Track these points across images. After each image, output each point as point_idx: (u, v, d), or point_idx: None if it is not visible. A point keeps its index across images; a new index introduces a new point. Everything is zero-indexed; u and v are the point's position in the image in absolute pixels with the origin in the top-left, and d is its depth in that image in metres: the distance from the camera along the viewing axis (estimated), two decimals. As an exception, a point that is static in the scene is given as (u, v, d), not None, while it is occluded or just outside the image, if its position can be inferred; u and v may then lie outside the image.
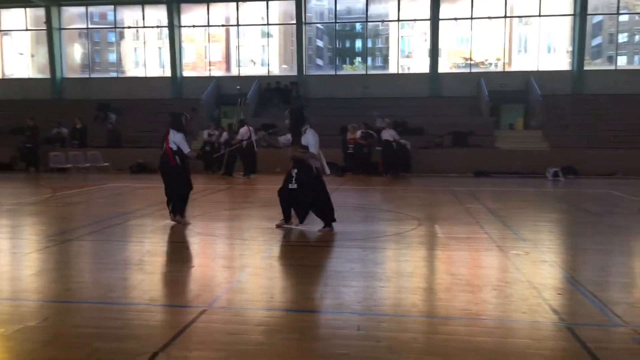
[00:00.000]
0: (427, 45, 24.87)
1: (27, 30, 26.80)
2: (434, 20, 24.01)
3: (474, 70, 24.72)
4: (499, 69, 24.98)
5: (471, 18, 24.44)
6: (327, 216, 7.81)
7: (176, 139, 8.13)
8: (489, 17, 24.23)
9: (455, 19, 24.77)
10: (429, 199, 12.30)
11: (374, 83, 24.51)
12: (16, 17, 26.60)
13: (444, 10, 24.39)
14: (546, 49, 25.29)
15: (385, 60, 28.49)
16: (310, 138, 7.67)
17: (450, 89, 23.81)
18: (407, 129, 19.76)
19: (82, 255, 6.69)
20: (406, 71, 27.19)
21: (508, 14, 24.41)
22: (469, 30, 24.73)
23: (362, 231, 8.07)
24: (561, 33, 24.97)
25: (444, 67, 25.00)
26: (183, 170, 8.25)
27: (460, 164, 18.20)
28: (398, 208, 10.43)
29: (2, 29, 26.91)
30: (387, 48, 28.53)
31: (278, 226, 7.91)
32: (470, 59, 25.06)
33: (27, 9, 26.12)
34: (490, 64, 25.64)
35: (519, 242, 7.15)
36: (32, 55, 27.33)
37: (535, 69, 23.84)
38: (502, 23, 24.41)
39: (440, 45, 24.56)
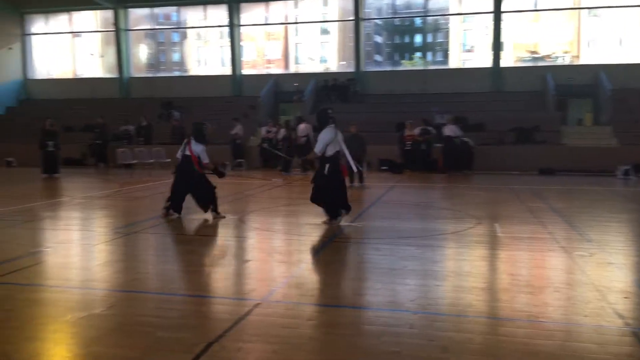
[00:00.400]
0: (490, 38, 24.21)
1: (96, 31, 28.02)
2: (497, 12, 23.31)
3: (539, 64, 23.86)
4: (567, 62, 23.99)
5: (536, 10, 23.59)
6: (330, 211, 7.89)
7: (198, 150, 8.38)
8: (556, 9, 23.30)
9: (519, 10, 23.98)
10: (490, 197, 12.00)
11: (433, 78, 24.10)
12: (87, 19, 27.86)
13: (507, 2, 23.65)
14: (618, 42, 24.07)
15: (446, 54, 27.98)
16: (320, 136, 7.87)
17: (514, 84, 23.06)
18: (467, 125, 19.27)
19: (145, 247, 6.95)
20: (467, 66, 26.60)
21: (576, 6, 23.39)
22: (534, 22, 23.87)
23: (418, 229, 7.98)
24: (634, 25, 23.69)
25: (507, 61, 24.26)
26: (203, 174, 8.53)
27: (524, 161, 17.59)
28: (456, 206, 10.23)
29: (74, 30, 28.23)
30: (448, 42, 28.00)
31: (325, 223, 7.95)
32: (536, 52, 24.18)
33: (97, 12, 27.30)
34: (557, 57, 24.69)
35: (585, 243, 6.85)
36: (102, 56, 28.55)
37: (606, 63, 22.73)
38: (570, 15, 23.43)
39: (503, 39, 23.84)
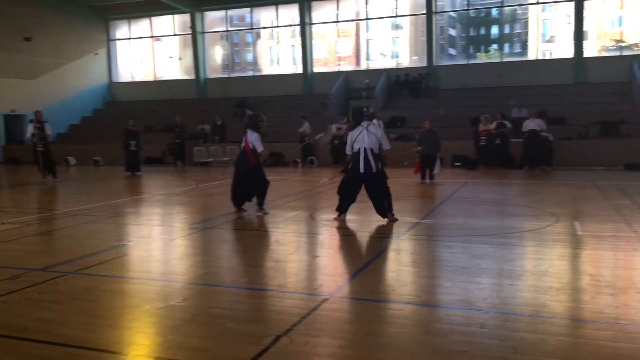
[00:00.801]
0: (572, 28, 23.09)
1: (174, 35, 29.19)
2: (579, 0, 22.18)
3: (625, 53, 22.47)
4: (656, 50, 22.49)
5: (622, -4, 22.25)
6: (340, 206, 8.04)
7: (252, 138, 8.54)
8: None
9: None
10: (570, 193, 11.46)
11: (510, 71, 23.26)
12: (165, 23, 29.10)
13: (591, -11, 22.48)
14: None
15: (524, 46, 26.95)
16: (348, 137, 7.98)
17: (597, 75, 21.85)
18: (547, 119, 18.47)
19: (219, 242, 7.18)
20: (547, 57, 25.50)
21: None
22: (620, 9, 22.51)
23: (492, 226, 7.75)
24: None
25: (590, 51, 23.03)
26: (260, 169, 8.70)
27: (608, 156, 16.63)
28: (534, 203, 9.85)
29: (154, 35, 29.56)
30: (526, 33, 26.98)
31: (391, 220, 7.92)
32: (622, 41, 22.81)
33: (175, 16, 28.43)
34: (645, 45, 23.21)
35: (674, 242, 6.42)
36: (180, 58, 29.72)
37: (701, 49, 21.10)
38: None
39: (586, 28, 22.64)
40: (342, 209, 8.08)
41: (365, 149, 7.77)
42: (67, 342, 3.63)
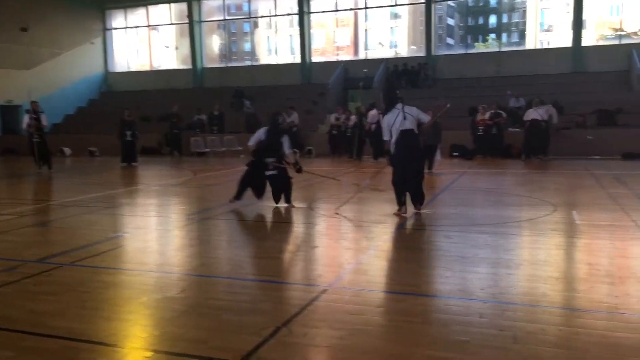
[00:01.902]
0: (570, 17, 22.96)
1: (171, 24, 28.96)
2: (578, -12, 22.05)
3: (624, 41, 22.37)
4: (655, 39, 22.40)
5: (621, -16, 22.12)
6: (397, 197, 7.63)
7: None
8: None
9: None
10: (568, 183, 11.44)
11: (508, 60, 23.17)
12: (162, 12, 28.85)
13: (589, -22, 22.33)
14: None
15: (522, 35, 26.88)
16: (384, 122, 7.60)
17: (596, 64, 21.76)
18: (558, 108, 18.31)
19: (216, 233, 7.14)
20: (545, 46, 25.38)
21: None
22: (619, -3, 22.42)
23: (491, 216, 7.73)
24: None
25: (589, 40, 22.92)
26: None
27: (606, 146, 16.59)
28: (531, 193, 9.82)
29: (151, 24, 29.33)
30: (525, 22, 26.89)
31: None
32: (621, 30, 22.70)
33: (172, 5, 28.20)
34: (644, 34, 23.11)
35: (673, 231, 6.40)
36: (177, 48, 29.51)
37: (700, 37, 21.02)
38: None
39: (585, 17, 22.52)
40: (401, 202, 7.61)
41: (406, 132, 7.42)
42: (62, 334, 3.60)
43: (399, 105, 7.51)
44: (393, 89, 7.73)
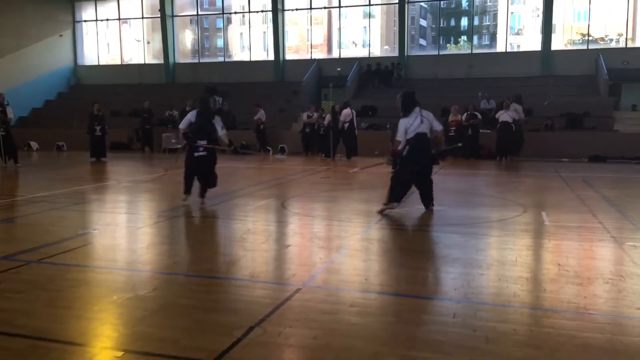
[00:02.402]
0: (539, 21, 23.41)
1: (143, 18, 28.50)
2: (548, -7, 22.49)
3: (591, 46, 22.93)
4: (621, 45, 22.98)
5: (589, -10, 22.64)
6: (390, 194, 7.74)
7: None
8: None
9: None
10: (537, 184, 11.66)
11: (479, 62, 23.52)
12: (133, 6, 28.37)
13: (559, -17, 22.81)
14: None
15: (493, 38, 27.24)
16: (400, 124, 7.68)
17: (564, 68, 22.26)
18: (522, 105, 18.56)
19: (188, 231, 7.06)
20: (515, 49, 25.82)
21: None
22: (587, 3, 22.93)
23: (462, 216, 7.82)
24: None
25: (557, 44, 23.42)
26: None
27: (574, 148, 17.01)
28: (501, 193, 9.99)
29: (122, 17, 28.80)
30: (495, 25, 27.27)
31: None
32: (588, 35, 23.26)
33: (144, -2, 27.76)
34: (611, 39, 23.69)
35: (637, 233, 6.58)
36: (148, 42, 29.05)
37: (664, 45, 21.67)
38: (625, -5, 22.35)
39: (554, 21, 23.00)
40: (397, 198, 7.72)
41: (421, 135, 7.58)
42: (30, 333, 3.50)
43: (417, 109, 7.66)
44: (412, 94, 7.86)
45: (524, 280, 4.69)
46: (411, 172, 7.66)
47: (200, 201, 8.40)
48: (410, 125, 7.58)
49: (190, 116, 8.41)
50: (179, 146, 16.91)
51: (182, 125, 8.50)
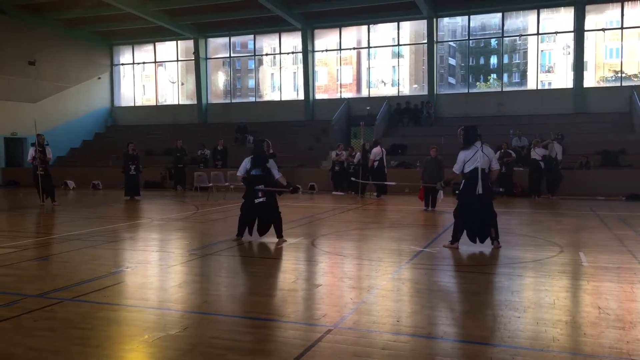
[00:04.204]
0: (570, 58, 23.29)
1: (177, 60, 29.42)
2: (579, 31, 22.43)
3: (625, 83, 22.64)
4: (655, 81, 22.65)
5: (622, 28, 22.50)
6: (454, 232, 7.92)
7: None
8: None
9: (604, 29, 23.00)
10: (573, 223, 11.37)
11: (510, 100, 23.42)
12: (169, 49, 29.37)
13: (590, 21, 22.74)
14: None
15: (523, 75, 27.15)
16: (460, 156, 7.75)
17: (597, 105, 21.99)
18: (560, 145, 18.28)
19: (219, 269, 7.07)
20: (546, 87, 25.66)
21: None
22: (619, 41, 22.77)
23: (496, 256, 7.64)
24: None
25: (589, 82, 23.21)
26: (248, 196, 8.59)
27: (610, 186, 16.61)
28: (536, 232, 9.76)
29: (158, 60, 29.78)
30: (526, 63, 27.20)
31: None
32: (622, 72, 23.00)
33: (178, 42, 28.71)
34: (645, 76, 23.38)
35: (681, 274, 6.31)
36: (182, 84, 29.90)
37: (700, 80, 21.24)
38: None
39: (585, 58, 22.86)
40: (457, 237, 7.89)
41: (480, 170, 7.64)
42: (62, 372, 3.51)
43: (478, 144, 7.74)
44: (474, 128, 7.94)
45: (563, 324, 4.52)
46: (469, 208, 7.73)
47: (279, 241, 8.45)
48: (469, 158, 7.64)
49: (245, 163, 8.52)
50: (210, 184, 17.17)
51: (240, 172, 8.60)
